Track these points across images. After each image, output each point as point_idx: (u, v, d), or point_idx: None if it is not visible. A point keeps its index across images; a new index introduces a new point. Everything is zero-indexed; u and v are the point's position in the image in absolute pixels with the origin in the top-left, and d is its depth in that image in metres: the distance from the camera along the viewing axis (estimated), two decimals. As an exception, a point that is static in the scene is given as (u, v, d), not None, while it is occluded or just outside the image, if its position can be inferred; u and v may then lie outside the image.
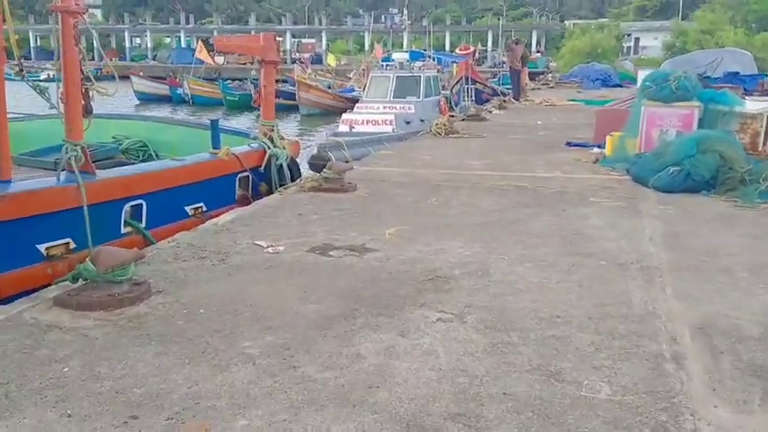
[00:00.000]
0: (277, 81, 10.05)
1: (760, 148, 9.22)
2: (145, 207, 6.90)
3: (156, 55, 76.33)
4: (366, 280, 4.97)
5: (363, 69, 28.23)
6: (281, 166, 8.86)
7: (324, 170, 8.16)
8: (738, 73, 16.69)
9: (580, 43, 48.21)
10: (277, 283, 4.90)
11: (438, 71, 21.72)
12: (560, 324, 4.17)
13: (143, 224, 6.90)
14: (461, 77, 25.49)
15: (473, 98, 24.34)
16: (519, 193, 8.04)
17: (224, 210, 7.43)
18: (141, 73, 38.79)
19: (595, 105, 22.06)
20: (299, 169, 9.43)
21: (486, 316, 4.29)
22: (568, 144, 12.11)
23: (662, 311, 4.38)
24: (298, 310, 4.39)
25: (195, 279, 4.97)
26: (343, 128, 15.34)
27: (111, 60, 73.35)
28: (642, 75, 27.77)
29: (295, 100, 30.66)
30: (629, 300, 4.59)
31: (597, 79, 31.49)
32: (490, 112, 18.81)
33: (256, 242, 5.90)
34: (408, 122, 15.77)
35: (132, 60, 76.70)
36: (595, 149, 11.40)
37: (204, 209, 7.75)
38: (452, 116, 18.75)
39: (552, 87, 32.02)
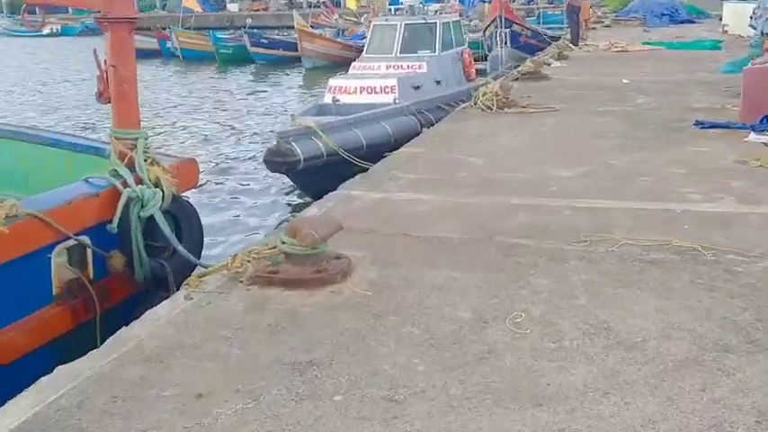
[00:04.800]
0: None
1: None
2: None
3: (165, 4, 71.39)
4: None
5: (372, 13, 23.53)
6: (150, 217, 4.62)
7: (284, 237, 3.92)
8: None
9: (630, -27, 42.20)
10: None
11: (460, 14, 16.90)
12: None
13: None
14: (495, 18, 20.67)
15: (507, 43, 19.45)
16: (697, 278, 3.75)
17: (26, 328, 3.50)
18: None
19: (680, 49, 17.33)
20: (197, 217, 5.14)
21: None
22: (700, 125, 7.66)
23: None
24: None
25: None
26: (328, 98, 10.88)
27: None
28: (730, 6, 22.78)
29: (297, 50, 25.89)
30: None
31: (663, 14, 26.28)
32: (548, 64, 14.25)
33: None
34: (417, 87, 11.15)
35: (141, 11, 72.10)
36: (753, 136, 6.99)
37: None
38: (478, 70, 14.20)
39: (608, 26, 27.00)
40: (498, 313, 3.41)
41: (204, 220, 5.73)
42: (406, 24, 12.22)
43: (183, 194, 5.22)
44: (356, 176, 6.19)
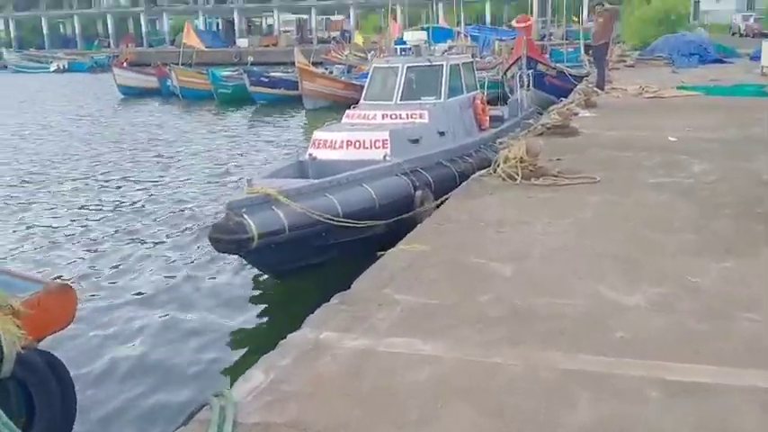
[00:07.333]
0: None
1: None
2: None
3: (173, 39, 70.65)
4: None
5: (378, 50, 22.01)
6: None
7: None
8: None
9: (650, 9, 40.58)
10: None
11: (473, 54, 15.02)
12: None
13: None
14: (518, 58, 18.97)
15: (530, 85, 17.43)
16: None
17: None
18: (125, 63, 33.06)
19: (720, 95, 15.54)
20: (63, 379, 3.29)
21: None
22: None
23: None
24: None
25: None
26: (310, 153, 9.17)
27: (128, 47, 67.95)
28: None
29: (298, 89, 24.38)
30: None
31: (692, 54, 24.54)
32: (575, 114, 12.49)
33: None
34: (416, 141, 9.38)
35: (150, 46, 71.62)
36: None
37: None
38: (491, 118, 12.26)
39: (631, 66, 25.27)
40: None
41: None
42: (408, 67, 10.52)
43: (50, 338, 3.48)
44: (333, 299, 4.39)
